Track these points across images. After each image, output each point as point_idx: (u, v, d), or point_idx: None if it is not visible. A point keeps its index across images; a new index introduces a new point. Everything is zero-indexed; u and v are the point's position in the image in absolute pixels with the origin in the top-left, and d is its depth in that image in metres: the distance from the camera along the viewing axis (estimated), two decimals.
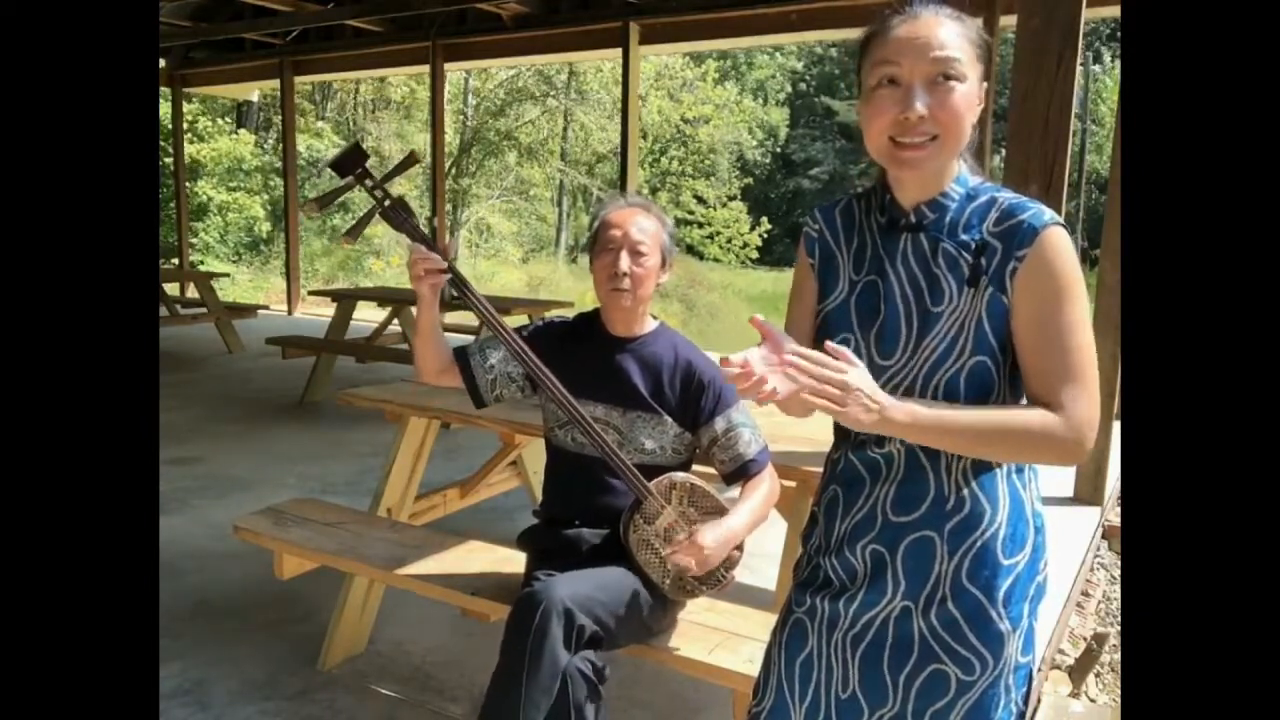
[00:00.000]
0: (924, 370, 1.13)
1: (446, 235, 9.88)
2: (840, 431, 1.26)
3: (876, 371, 1.15)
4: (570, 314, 2.06)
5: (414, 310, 1.81)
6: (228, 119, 17.66)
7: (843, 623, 1.21)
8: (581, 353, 1.90)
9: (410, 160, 1.78)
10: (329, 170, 1.77)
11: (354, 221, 1.81)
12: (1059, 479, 4.02)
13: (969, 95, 1.08)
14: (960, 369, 1.11)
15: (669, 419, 1.86)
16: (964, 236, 1.13)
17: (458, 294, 1.78)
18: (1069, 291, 1.08)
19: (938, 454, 1.15)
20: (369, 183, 1.74)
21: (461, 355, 1.90)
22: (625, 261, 1.81)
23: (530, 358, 1.79)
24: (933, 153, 1.09)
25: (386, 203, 1.74)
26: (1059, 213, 1.73)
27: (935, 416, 1.07)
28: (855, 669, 1.20)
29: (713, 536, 1.72)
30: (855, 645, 1.20)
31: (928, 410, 1.08)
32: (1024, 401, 1.14)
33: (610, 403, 1.87)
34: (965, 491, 1.15)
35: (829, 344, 1.04)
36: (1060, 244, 1.09)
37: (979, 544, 1.15)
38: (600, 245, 1.85)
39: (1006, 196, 1.13)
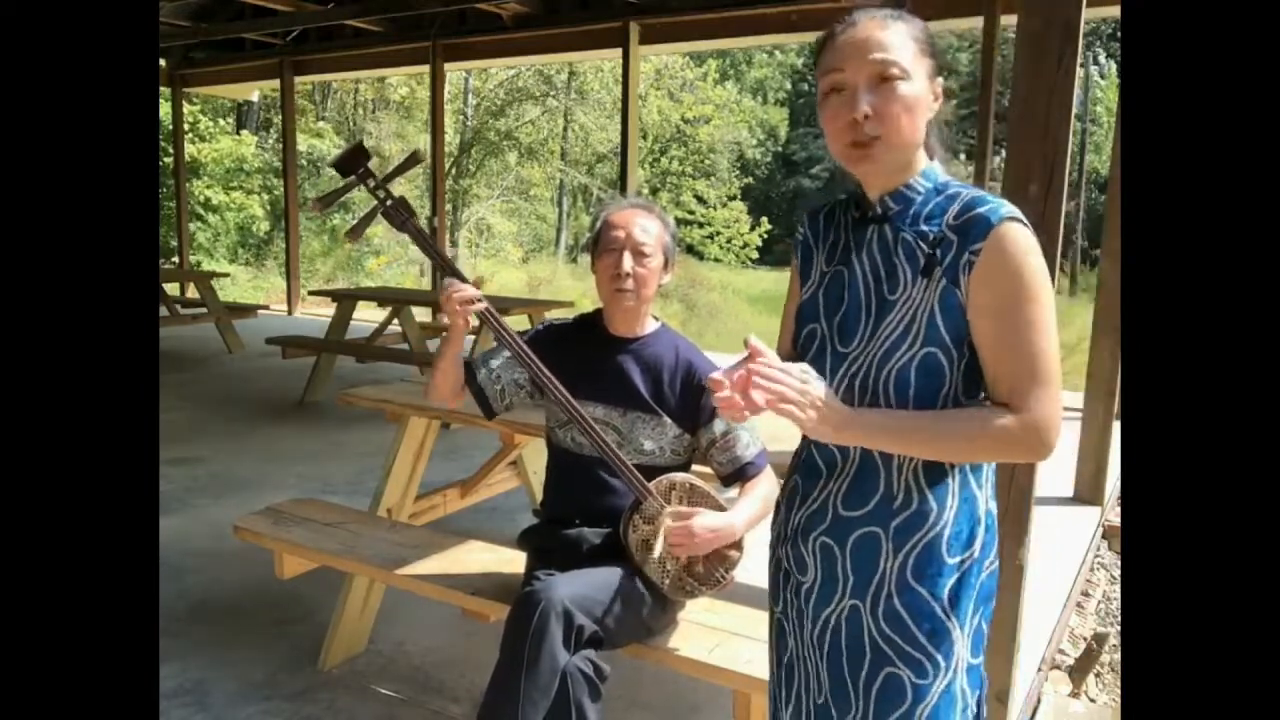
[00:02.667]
0: (877, 357, 1.13)
1: (446, 236, 9.85)
2: None
3: (838, 360, 1.17)
4: (570, 314, 2.06)
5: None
6: (228, 119, 17.66)
7: (807, 622, 1.23)
8: (582, 353, 1.90)
9: (413, 160, 1.79)
10: (331, 170, 1.77)
11: (355, 220, 1.81)
12: (1059, 479, 4.02)
13: (915, 92, 1.11)
14: (912, 359, 1.11)
15: (668, 420, 1.86)
16: (924, 227, 1.14)
17: (489, 325, 1.78)
18: (1028, 290, 1.07)
19: (890, 453, 1.17)
20: (371, 182, 1.74)
21: (469, 371, 1.91)
22: (628, 262, 1.81)
23: (531, 358, 1.79)
24: (880, 150, 1.12)
25: (389, 202, 1.75)
26: (1059, 212, 1.73)
27: (892, 426, 1.09)
28: (825, 671, 1.22)
29: (708, 524, 1.71)
30: (820, 646, 1.22)
31: (884, 420, 1.09)
32: (983, 398, 1.15)
33: (610, 403, 1.87)
34: (914, 491, 1.16)
35: (752, 344, 1.05)
36: (1017, 239, 1.07)
37: (923, 542, 1.15)
38: (603, 246, 1.85)
39: (971, 192, 1.14)
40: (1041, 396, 1.07)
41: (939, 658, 1.16)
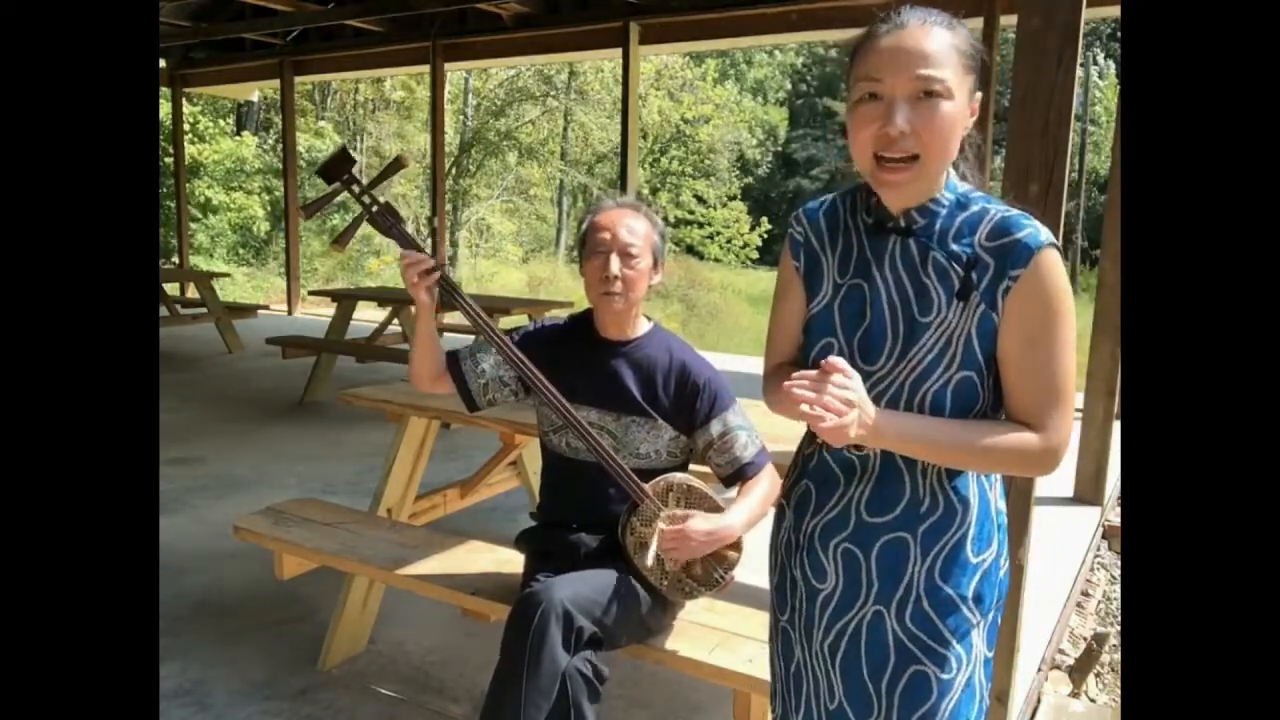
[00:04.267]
0: (910, 380, 1.12)
1: (446, 235, 9.86)
2: None
3: (861, 377, 1.14)
4: (570, 314, 2.05)
5: (413, 310, 1.80)
6: (228, 120, 17.66)
7: (818, 631, 1.22)
8: (574, 356, 1.88)
9: (396, 165, 1.76)
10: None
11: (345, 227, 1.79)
12: (1059, 479, 4.02)
13: (955, 111, 1.05)
14: (948, 382, 1.11)
15: (663, 423, 1.84)
16: (954, 247, 1.11)
17: (449, 298, 1.77)
18: (1060, 315, 1.08)
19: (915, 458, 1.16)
20: (356, 189, 1.72)
21: (453, 360, 1.89)
22: (616, 264, 1.78)
23: (522, 361, 1.78)
24: (915, 173, 1.08)
25: (374, 209, 1.73)
26: (1059, 212, 1.73)
27: (921, 433, 1.09)
28: (838, 680, 1.21)
29: (702, 528, 1.70)
30: (833, 655, 1.21)
31: (914, 426, 1.09)
32: (1001, 415, 1.15)
33: (604, 407, 1.85)
34: (939, 495, 1.16)
35: (829, 360, 1.03)
36: (1055, 266, 1.08)
37: (950, 544, 1.16)
38: (590, 248, 1.82)
39: (999, 208, 1.11)
40: (1061, 418, 1.10)
41: (961, 651, 1.17)
